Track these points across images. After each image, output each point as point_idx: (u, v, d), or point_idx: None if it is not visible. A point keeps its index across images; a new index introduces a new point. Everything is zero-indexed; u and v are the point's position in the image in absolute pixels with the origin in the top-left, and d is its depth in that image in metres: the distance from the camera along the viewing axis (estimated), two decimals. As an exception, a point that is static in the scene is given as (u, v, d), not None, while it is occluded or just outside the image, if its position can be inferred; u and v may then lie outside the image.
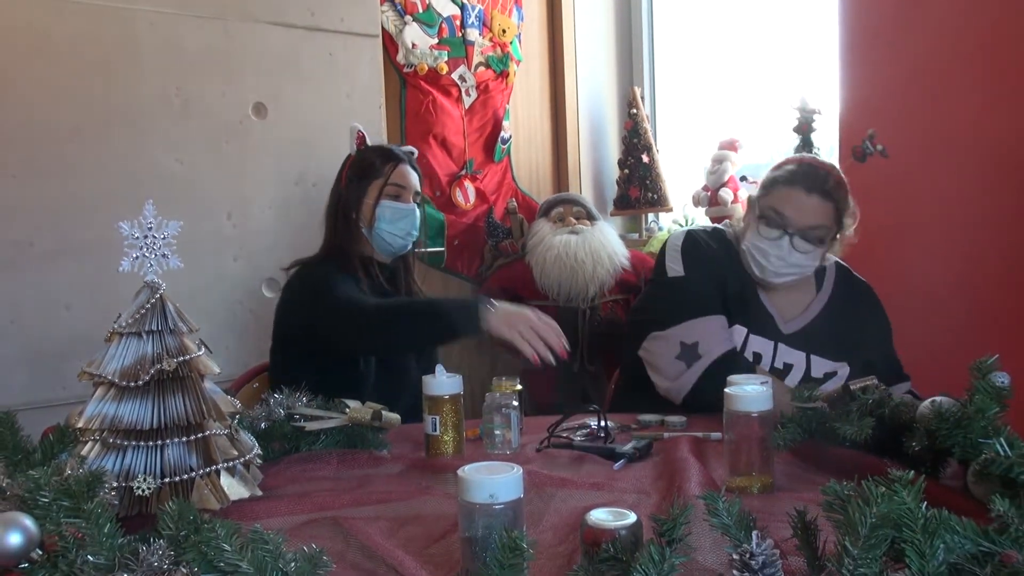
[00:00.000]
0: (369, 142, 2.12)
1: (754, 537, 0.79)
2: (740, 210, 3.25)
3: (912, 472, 0.79)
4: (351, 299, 1.81)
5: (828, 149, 2.84)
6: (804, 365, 1.78)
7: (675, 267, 1.84)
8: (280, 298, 2.00)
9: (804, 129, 2.85)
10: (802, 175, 1.78)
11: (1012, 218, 2.24)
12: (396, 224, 2.02)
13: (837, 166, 1.89)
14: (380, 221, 2.01)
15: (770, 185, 1.81)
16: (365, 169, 2.05)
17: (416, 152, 2.18)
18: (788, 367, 1.78)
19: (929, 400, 1.21)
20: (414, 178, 2.08)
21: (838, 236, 1.83)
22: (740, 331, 1.78)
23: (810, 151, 2.91)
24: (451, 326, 1.67)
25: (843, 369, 1.78)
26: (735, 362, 1.70)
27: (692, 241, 1.86)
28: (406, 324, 1.72)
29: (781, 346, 1.78)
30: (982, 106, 2.30)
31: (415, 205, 2.05)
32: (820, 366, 1.78)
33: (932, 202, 2.40)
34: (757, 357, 1.78)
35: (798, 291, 1.86)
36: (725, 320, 1.77)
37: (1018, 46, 2.23)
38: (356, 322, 1.75)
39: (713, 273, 1.81)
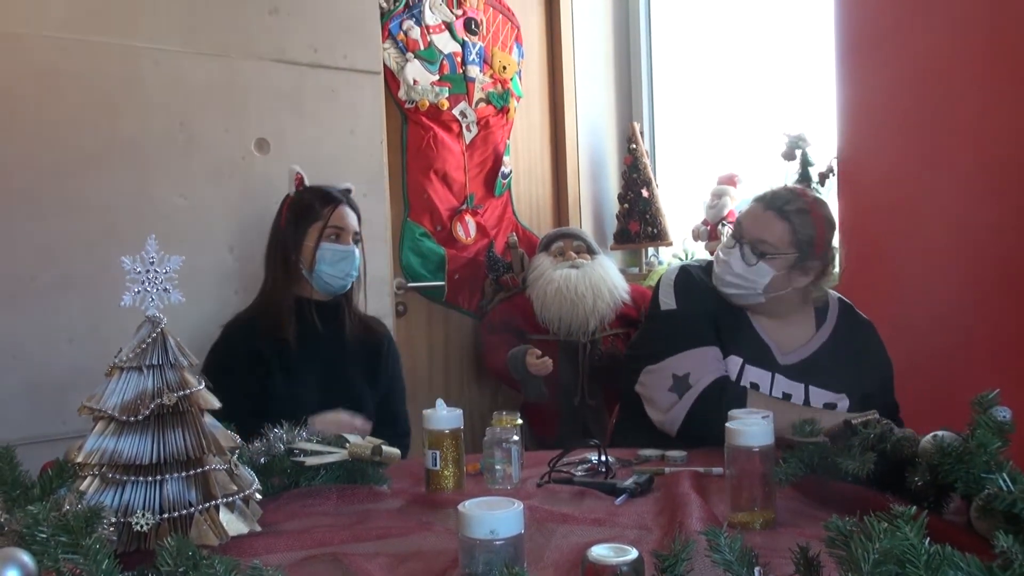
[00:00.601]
0: (307, 183, 2.16)
1: (756, 573, 0.78)
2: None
3: (915, 507, 0.79)
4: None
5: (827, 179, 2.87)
6: (803, 395, 1.78)
7: (668, 301, 1.87)
8: None
9: (790, 155, 2.90)
10: (768, 195, 1.85)
11: (1012, 238, 2.24)
12: (336, 266, 2.06)
13: (820, 196, 1.91)
14: (320, 263, 2.05)
15: (746, 209, 1.90)
16: (304, 211, 2.09)
17: (353, 189, 2.21)
18: (787, 396, 1.78)
19: (931, 435, 1.21)
20: (352, 219, 2.12)
21: (800, 264, 1.80)
22: (735, 361, 1.79)
23: (809, 183, 2.94)
24: None
25: (843, 401, 1.78)
26: (726, 388, 1.72)
27: (685, 275, 1.90)
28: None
29: (779, 376, 1.79)
30: (979, 126, 2.31)
31: (353, 246, 2.09)
32: (819, 397, 1.78)
33: (930, 222, 2.41)
34: (754, 387, 1.78)
35: (797, 324, 1.87)
36: (718, 351, 1.78)
37: (1016, 67, 2.24)
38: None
39: (705, 305, 1.84)
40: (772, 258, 1.79)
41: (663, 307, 1.87)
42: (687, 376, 1.73)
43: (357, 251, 2.10)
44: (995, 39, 2.28)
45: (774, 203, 1.82)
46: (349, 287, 2.12)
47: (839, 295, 1.97)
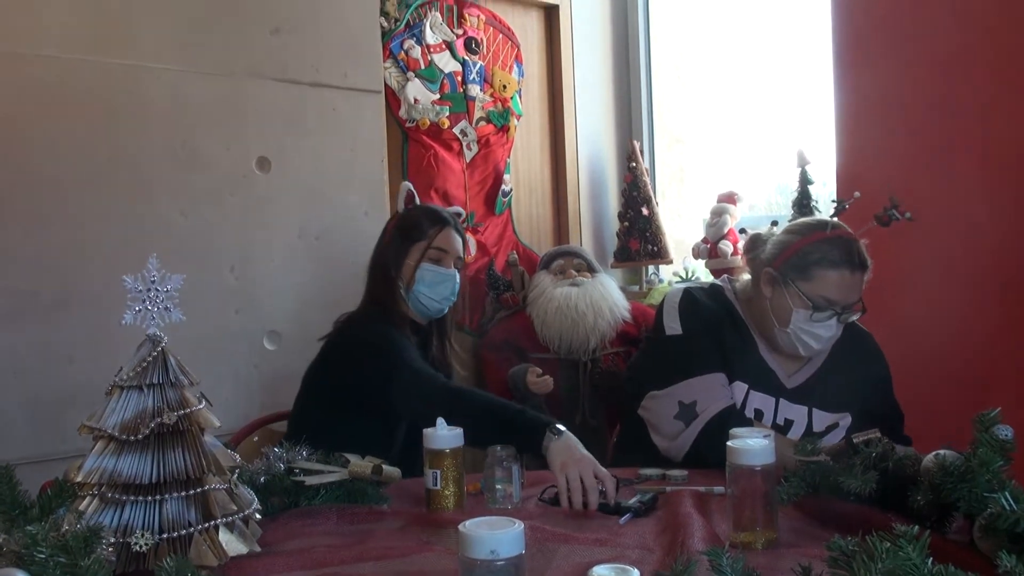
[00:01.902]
0: (417, 200, 2.11)
1: (759, 594, 0.78)
2: (739, 262, 3.27)
3: (917, 527, 0.79)
4: (424, 370, 1.81)
5: (827, 196, 2.88)
6: (806, 419, 1.77)
7: (673, 325, 1.82)
8: (331, 350, 1.97)
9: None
10: (844, 256, 1.73)
11: (1015, 241, 2.24)
12: (435, 288, 2.00)
13: (838, 221, 1.87)
14: (419, 284, 1.99)
15: (808, 267, 1.74)
16: (410, 229, 2.03)
17: (463, 214, 2.16)
18: (789, 423, 1.77)
19: (933, 453, 1.21)
20: (458, 243, 2.05)
21: None
22: (741, 387, 1.77)
23: (808, 202, 2.94)
24: (514, 439, 1.55)
25: (844, 420, 1.78)
26: (733, 418, 1.68)
27: (689, 299, 1.85)
28: (474, 418, 1.61)
29: (783, 402, 1.78)
30: (980, 130, 2.31)
31: (455, 271, 2.03)
32: (821, 419, 1.78)
33: (930, 250, 2.42)
34: (758, 414, 1.77)
35: None
36: (724, 377, 1.76)
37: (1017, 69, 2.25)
38: (429, 396, 1.71)
39: (711, 331, 1.80)
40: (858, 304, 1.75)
41: (668, 331, 1.83)
42: (694, 404, 1.71)
43: (458, 276, 2.04)
44: (997, 42, 2.29)
45: (856, 263, 1.73)
46: (445, 312, 2.07)
47: None
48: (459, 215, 2.16)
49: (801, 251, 1.75)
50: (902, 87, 2.50)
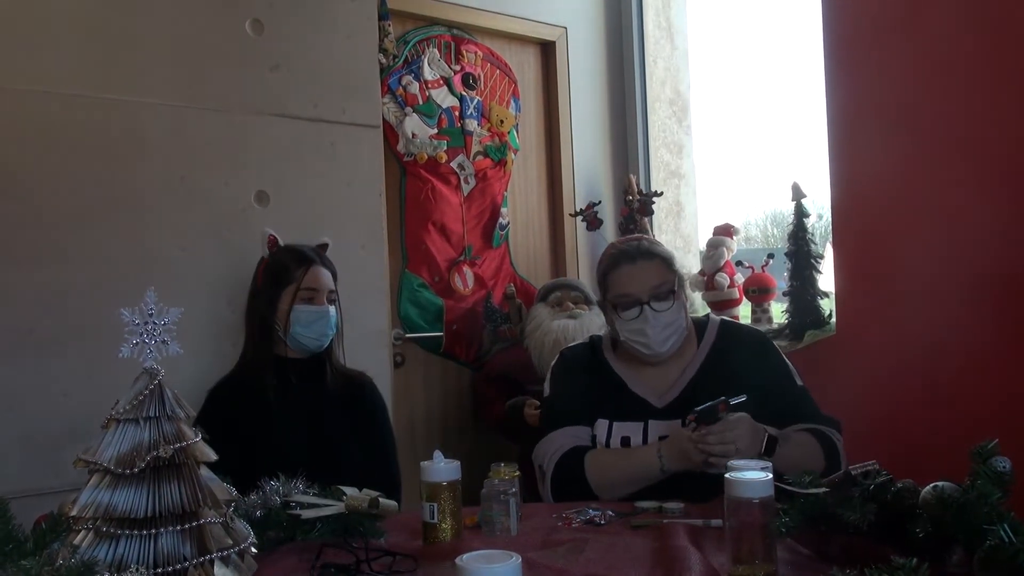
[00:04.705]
0: (281, 243, 2.18)
1: (757, 627, 0.77)
2: (736, 294, 3.28)
3: (916, 559, 0.78)
4: None
5: (823, 230, 2.90)
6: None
7: (547, 387, 2.00)
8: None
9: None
10: (618, 254, 1.91)
11: (1012, 289, 2.24)
12: (310, 327, 2.08)
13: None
14: (295, 325, 2.07)
15: (603, 280, 1.93)
16: (278, 274, 2.12)
17: (329, 243, 2.23)
18: (663, 439, 1.78)
19: (931, 485, 1.20)
20: (326, 278, 2.13)
21: (681, 282, 1.91)
22: (603, 424, 1.85)
23: (804, 235, 2.96)
24: None
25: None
26: (567, 459, 1.79)
27: (560, 361, 2.01)
28: None
29: (652, 422, 1.82)
30: (972, 133, 2.33)
31: (328, 306, 2.10)
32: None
33: (927, 281, 2.43)
34: (625, 440, 1.82)
35: (674, 360, 1.90)
36: (579, 428, 1.85)
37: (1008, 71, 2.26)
38: None
39: (573, 386, 1.92)
40: (675, 291, 1.86)
41: (544, 393, 2.00)
42: (543, 463, 1.84)
43: (332, 310, 2.11)
44: (988, 44, 2.30)
45: (635, 254, 1.89)
46: (327, 345, 2.13)
47: (722, 318, 2.03)
48: (325, 246, 2.22)
49: (600, 274, 1.96)
50: (896, 115, 2.52)
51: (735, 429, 1.61)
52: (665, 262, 1.89)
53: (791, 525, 1.28)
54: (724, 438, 1.60)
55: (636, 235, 1.98)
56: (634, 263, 1.87)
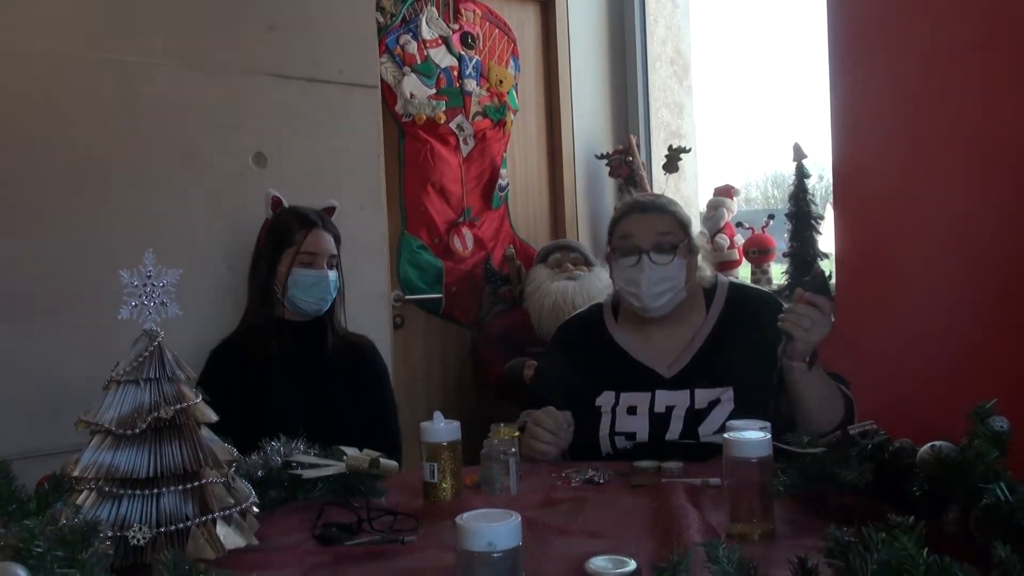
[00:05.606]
0: (286, 204, 2.18)
1: (755, 584, 0.78)
2: (736, 255, 3.27)
3: (913, 518, 0.79)
4: None
5: (823, 191, 2.89)
6: (688, 401, 1.79)
7: (543, 362, 2.07)
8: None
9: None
10: (631, 203, 1.93)
11: (1012, 255, 2.24)
12: (308, 291, 2.08)
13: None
14: (293, 288, 2.07)
15: (612, 227, 1.93)
16: (279, 236, 2.11)
17: (336, 206, 2.22)
18: (670, 408, 1.78)
19: (928, 445, 1.21)
20: (327, 242, 2.12)
21: (691, 247, 1.88)
22: (609, 395, 1.83)
23: (805, 195, 2.95)
24: None
25: (726, 394, 1.77)
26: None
27: (559, 335, 2.02)
28: None
29: (660, 392, 1.81)
30: (976, 125, 2.31)
31: (327, 271, 2.10)
32: (703, 397, 1.79)
33: (928, 242, 2.42)
34: (632, 410, 1.80)
35: (681, 326, 1.88)
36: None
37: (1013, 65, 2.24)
38: None
39: (571, 361, 1.91)
40: (678, 247, 1.84)
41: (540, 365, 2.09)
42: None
43: (332, 275, 2.11)
44: (992, 37, 2.28)
45: (647, 205, 1.90)
46: (327, 308, 2.13)
47: (731, 280, 2.00)
48: (332, 209, 2.20)
49: (611, 222, 1.96)
50: (899, 77, 2.49)
51: (822, 314, 1.59)
52: (678, 220, 1.88)
53: (789, 484, 1.28)
54: (811, 314, 1.58)
55: (658, 193, 1.98)
56: (645, 213, 1.87)
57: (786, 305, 1.65)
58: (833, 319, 1.62)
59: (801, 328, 1.58)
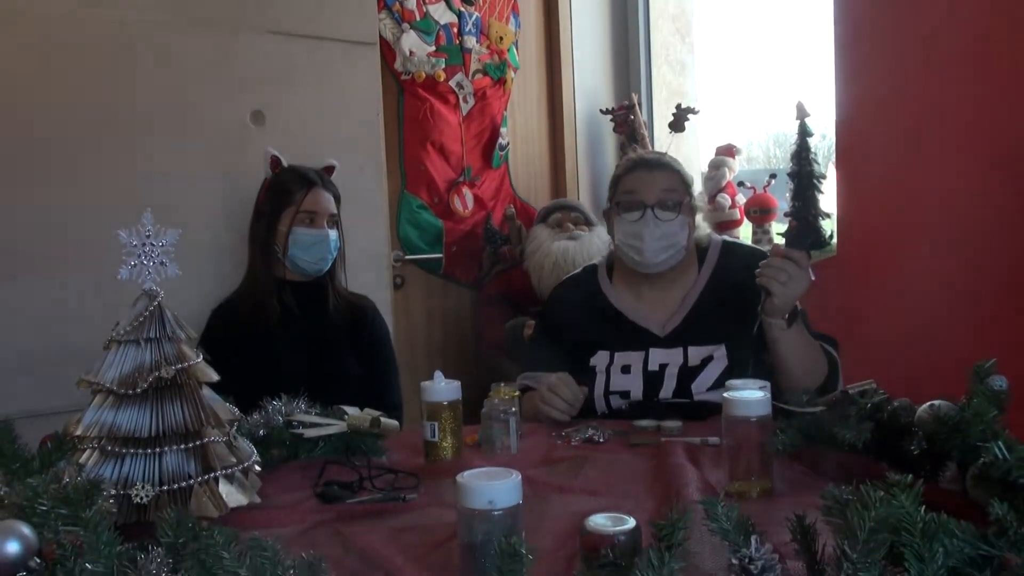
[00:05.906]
0: (284, 163, 2.16)
1: (753, 542, 0.79)
2: (738, 215, 3.26)
3: (911, 476, 0.79)
4: None
5: (826, 150, 2.86)
6: (681, 359, 1.80)
7: (539, 323, 2.08)
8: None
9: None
10: (636, 159, 1.93)
11: (1011, 217, 2.24)
12: (308, 251, 2.08)
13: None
14: (293, 247, 2.07)
15: (616, 183, 1.93)
16: (278, 196, 2.11)
17: (336, 166, 2.21)
18: (663, 366, 1.79)
19: (927, 404, 1.21)
20: (327, 201, 2.11)
21: (693, 206, 1.90)
22: (603, 355, 1.84)
23: (807, 154, 2.92)
24: None
25: (718, 351, 1.78)
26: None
27: (553, 297, 2.05)
28: None
29: (654, 350, 1.81)
30: (978, 114, 2.30)
31: (327, 230, 2.09)
32: (696, 354, 1.79)
33: (929, 203, 2.41)
34: (626, 368, 1.81)
35: (675, 285, 1.89)
36: (538, 374, 1.85)
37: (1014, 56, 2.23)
38: None
39: (566, 323, 1.93)
40: (682, 205, 1.85)
41: (537, 326, 2.09)
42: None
43: (332, 234, 2.10)
44: (993, 28, 2.26)
45: (654, 162, 1.90)
46: (328, 268, 2.13)
47: (724, 238, 2.00)
48: (331, 169, 2.19)
49: (613, 178, 1.96)
50: (905, 35, 2.47)
51: (799, 268, 1.60)
52: (682, 179, 1.88)
53: (788, 443, 1.29)
54: (787, 267, 1.59)
55: (661, 151, 1.97)
56: (650, 170, 1.87)
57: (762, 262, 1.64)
58: (812, 276, 1.62)
59: (778, 282, 1.58)
